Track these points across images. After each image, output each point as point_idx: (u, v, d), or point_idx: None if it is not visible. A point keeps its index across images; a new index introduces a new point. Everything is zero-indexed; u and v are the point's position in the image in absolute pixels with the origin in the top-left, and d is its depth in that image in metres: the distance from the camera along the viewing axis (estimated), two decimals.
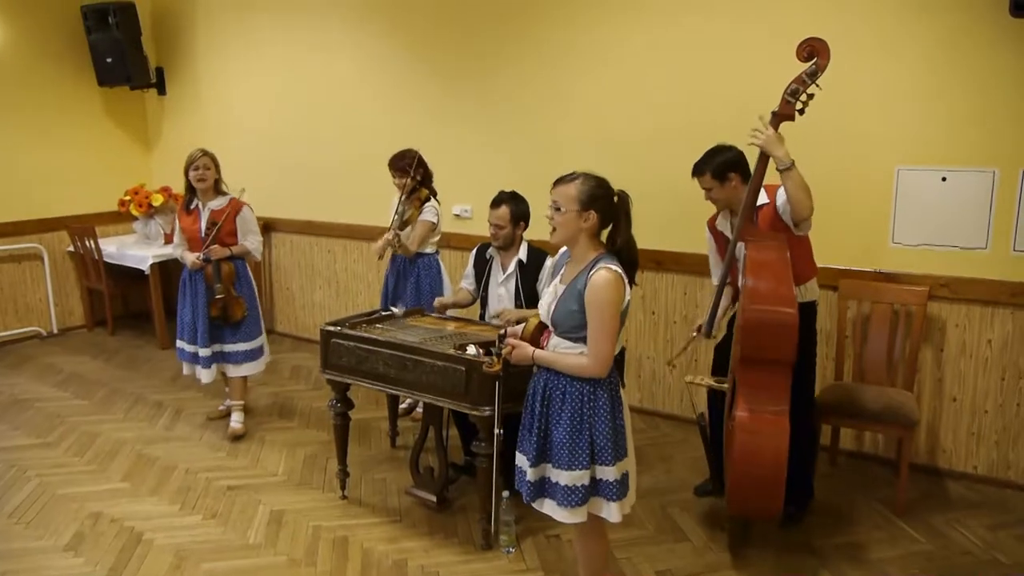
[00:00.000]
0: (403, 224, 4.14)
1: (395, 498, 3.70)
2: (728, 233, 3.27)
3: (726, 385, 3.13)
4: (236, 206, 4.31)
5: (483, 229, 3.86)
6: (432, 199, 4.29)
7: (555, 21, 4.58)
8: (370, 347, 3.33)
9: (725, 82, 4.07)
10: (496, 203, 3.68)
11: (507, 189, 3.75)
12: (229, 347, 4.37)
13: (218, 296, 4.24)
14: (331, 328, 3.48)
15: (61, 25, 6.27)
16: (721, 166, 3.16)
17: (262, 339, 4.50)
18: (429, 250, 4.36)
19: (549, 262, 3.73)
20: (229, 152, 6.45)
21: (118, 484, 3.86)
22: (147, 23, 6.65)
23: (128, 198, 6.26)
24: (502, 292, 3.81)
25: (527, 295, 3.70)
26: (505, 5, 4.76)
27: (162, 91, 6.79)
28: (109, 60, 6.26)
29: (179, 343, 4.46)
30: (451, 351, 3.09)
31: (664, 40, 4.25)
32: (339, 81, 5.64)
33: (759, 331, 2.78)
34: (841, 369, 3.89)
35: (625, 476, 2.50)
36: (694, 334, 3.43)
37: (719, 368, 3.46)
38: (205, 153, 4.23)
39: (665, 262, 4.44)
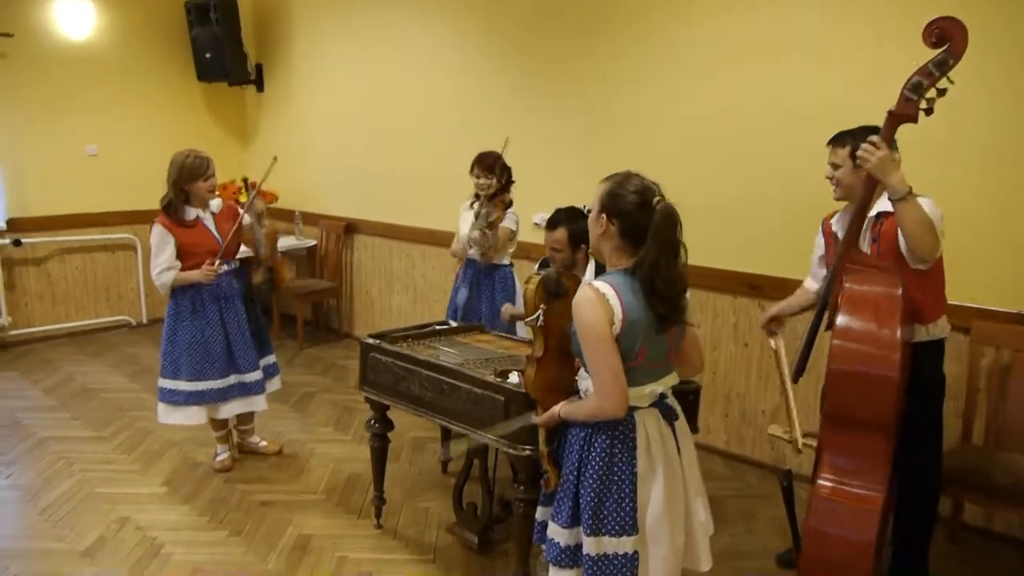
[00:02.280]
0: (490, 225, 3.83)
1: (434, 532, 3.34)
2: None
3: (812, 442, 2.58)
4: (233, 206, 3.92)
5: None
6: (511, 206, 3.95)
7: (638, 30, 4.12)
8: (408, 365, 2.99)
9: (824, 87, 3.48)
10: (552, 224, 3.18)
11: (577, 203, 3.32)
12: (263, 360, 3.91)
13: (264, 263, 3.95)
14: (371, 341, 3.16)
15: (165, 19, 6.35)
16: (854, 137, 2.56)
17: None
18: (505, 261, 4.03)
19: None
20: (317, 151, 6.40)
21: (155, 488, 3.70)
22: (249, 20, 6.65)
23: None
24: None
25: None
26: (588, 17, 4.34)
27: (260, 88, 6.77)
28: (209, 55, 6.29)
29: (197, 386, 3.67)
30: (490, 377, 2.70)
31: (752, 44, 3.70)
32: (424, 84, 5.38)
33: (848, 383, 2.24)
34: (970, 429, 3.21)
35: (628, 558, 2.02)
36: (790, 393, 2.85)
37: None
38: (210, 157, 3.66)
39: (763, 287, 3.88)
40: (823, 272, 2.93)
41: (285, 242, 6.26)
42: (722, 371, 4.11)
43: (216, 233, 3.68)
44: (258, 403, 3.84)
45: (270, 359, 4.00)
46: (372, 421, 3.26)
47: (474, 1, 4.97)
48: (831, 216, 2.86)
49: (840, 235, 2.75)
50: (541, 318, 2.13)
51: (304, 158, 6.49)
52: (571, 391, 2.20)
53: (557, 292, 2.18)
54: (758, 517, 3.52)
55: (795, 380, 2.78)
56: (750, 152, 3.84)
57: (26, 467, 3.88)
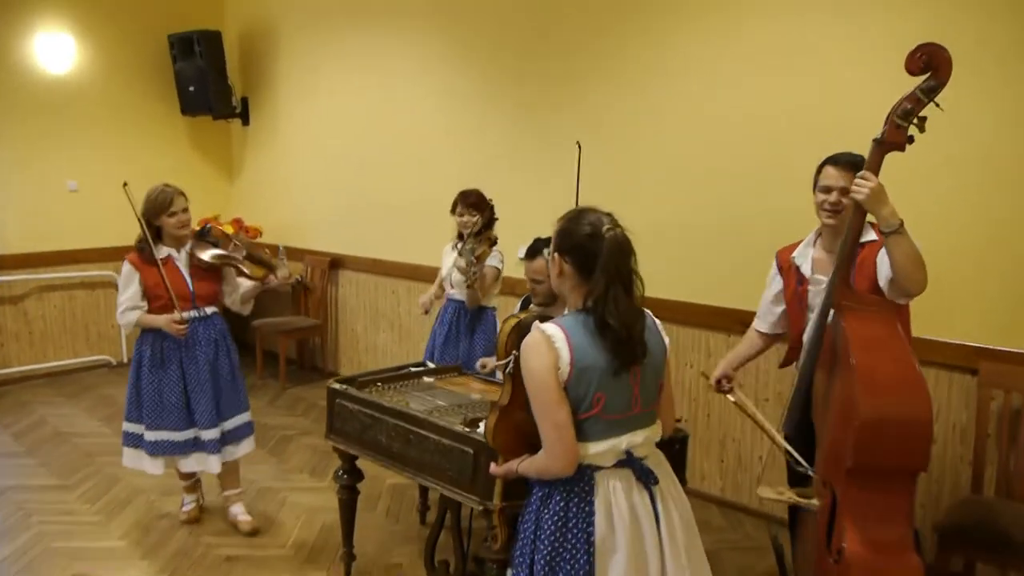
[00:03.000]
0: (477, 258, 3.64)
1: None
2: (809, 272, 2.58)
3: (815, 501, 2.36)
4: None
5: None
6: (496, 243, 3.77)
7: (629, 51, 3.99)
8: (374, 413, 2.79)
9: (843, 102, 3.33)
10: (531, 253, 3.01)
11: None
12: (229, 423, 3.53)
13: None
14: (337, 387, 2.97)
15: (148, 53, 6.25)
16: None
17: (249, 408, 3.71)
18: (491, 304, 3.84)
19: None
20: (302, 184, 6.26)
21: (115, 542, 3.49)
22: (235, 53, 6.57)
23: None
24: None
25: None
26: (577, 40, 4.21)
27: (246, 121, 6.67)
28: (192, 89, 6.18)
29: (155, 435, 3.40)
30: (459, 427, 2.51)
31: (765, 60, 3.56)
32: (410, 117, 5.25)
33: (883, 432, 2.05)
34: (981, 478, 3.00)
35: None
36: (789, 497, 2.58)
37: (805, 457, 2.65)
38: (180, 192, 3.37)
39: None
40: (778, 311, 2.77)
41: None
42: (716, 415, 3.90)
43: (187, 276, 3.40)
44: (210, 464, 3.45)
45: (242, 418, 3.59)
46: (340, 471, 3.06)
47: (460, 33, 4.86)
48: (789, 249, 2.70)
49: (804, 269, 2.61)
50: (511, 364, 1.94)
51: (289, 192, 6.36)
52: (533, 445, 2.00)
53: None
54: (756, 570, 3.30)
55: (787, 433, 2.57)
56: (729, 180, 3.68)
57: None
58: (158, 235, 3.37)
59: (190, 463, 3.47)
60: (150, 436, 3.41)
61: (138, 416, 3.46)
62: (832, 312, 2.32)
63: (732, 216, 3.72)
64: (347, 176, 5.81)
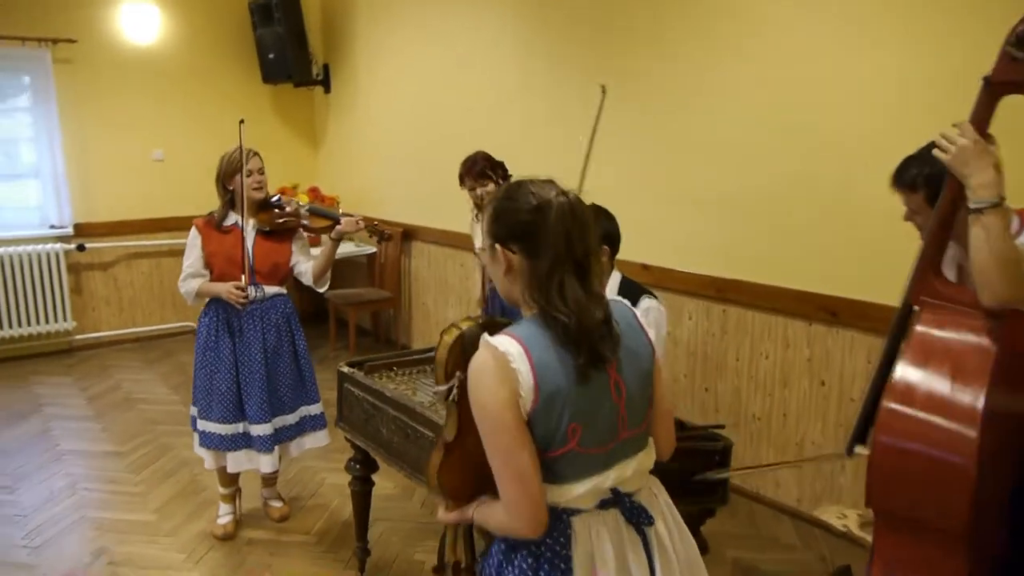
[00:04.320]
0: None
1: None
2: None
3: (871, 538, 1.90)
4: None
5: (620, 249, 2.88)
6: None
7: (714, 22, 3.49)
8: (375, 402, 2.53)
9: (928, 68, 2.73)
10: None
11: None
12: (290, 417, 3.26)
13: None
14: (345, 370, 2.73)
15: (230, 20, 6.24)
16: (927, 179, 1.89)
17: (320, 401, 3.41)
18: None
19: (646, 304, 2.69)
20: (378, 153, 6.08)
21: (147, 515, 3.43)
22: (316, 19, 6.45)
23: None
24: None
25: None
26: (659, 15, 3.74)
27: (328, 89, 6.55)
28: (272, 56, 6.11)
29: (203, 425, 3.16)
30: None
31: (842, 26, 2.99)
32: (485, 85, 4.90)
33: (901, 467, 1.58)
34: None
35: None
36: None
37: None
38: (256, 152, 3.17)
39: (841, 313, 3.15)
40: None
41: (343, 248, 5.97)
42: (794, 414, 3.40)
43: (250, 248, 3.12)
44: (262, 462, 3.16)
45: (308, 410, 3.31)
46: (352, 462, 2.83)
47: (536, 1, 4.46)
48: None
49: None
50: (455, 391, 1.48)
51: (367, 161, 6.21)
52: (488, 482, 1.61)
53: None
54: None
55: (849, 452, 2.09)
56: (815, 147, 3.13)
57: (33, 483, 3.73)
58: (232, 202, 3.16)
59: (238, 460, 3.14)
60: (200, 425, 3.18)
61: (194, 398, 3.26)
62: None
63: (815, 189, 3.18)
64: (420, 145, 5.56)
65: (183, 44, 6.09)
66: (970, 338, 1.63)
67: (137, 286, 6.16)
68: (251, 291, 3.09)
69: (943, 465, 1.54)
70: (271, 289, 3.19)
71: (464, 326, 1.51)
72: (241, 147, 3.11)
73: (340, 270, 6.54)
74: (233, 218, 3.15)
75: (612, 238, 2.66)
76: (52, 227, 5.70)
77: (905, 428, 1.60)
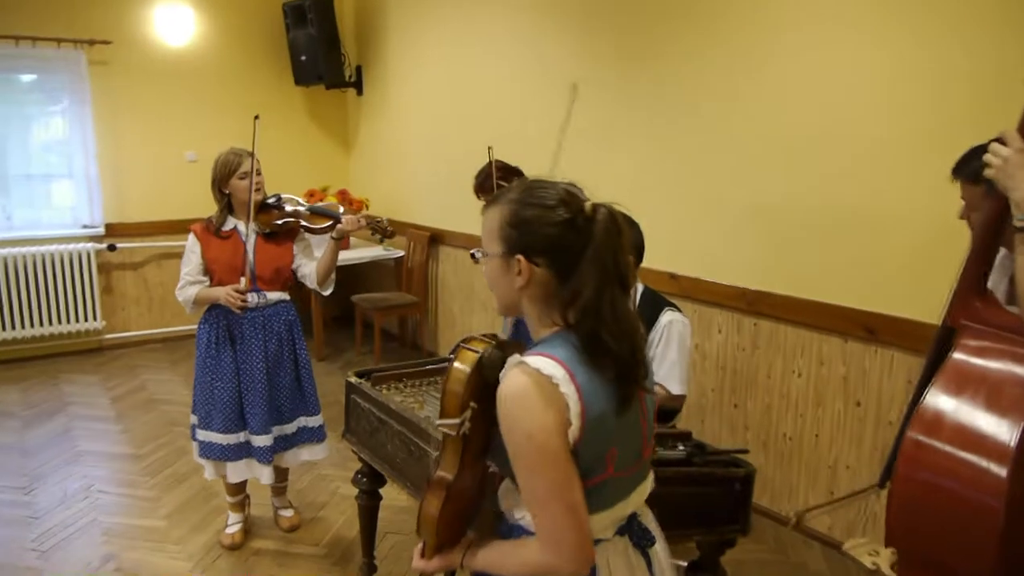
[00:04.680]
0: None
1: None
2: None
3: None
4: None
5: (648, 258, 2.71)
6: None
7: (742, 22, 3.32)
8: (381, 415, 2.43)
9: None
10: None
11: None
12: (289, 427, 3.17)
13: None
14: (352, 380, 2.63)
15: (264, 22, 6.23)
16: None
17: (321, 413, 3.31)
18: None
19: (668, 318, 2.56)
20: (407, 156, 6.01)
21: (157, 521, 3.39)
22: (350, 21, 6.42)
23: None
24: None
25: None
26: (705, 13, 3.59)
27: (360, 91, 6.51)
28: (304, 58, 6.09)
29: (204, 435, 3.07)
30: None
31: (882, 27, 2.81)
32: (512, 88, 4.80)
33: (922, 503, 1.46)
34: None
35: None
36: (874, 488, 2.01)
37: None
38: (251, 153, 3.02)
39: (880, 330, 2.96)
40: None
41: (370, 252, 5.94)
42: (827, 435, 3.21)
43: (251, 252, 3.02)
44: (262, 474, 3.07)
45: (306, 421, 3.21)
46: (359, 474, 2.73)
47: (569, 8, 4.34)
48: None
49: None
50: (467, 424, 1.31)
51: (396, 163, 6.15)
52: (474, 516, 1.46)
53: (499, 381, 1.29)
54: None
55: (882, 484, 1.93)
56: (852, 159, 2.95)
57: (49, 484, 3.72)
58: (229, 207, 3.05)
59: (239, 470, 3.07)
60: (201, 435, 3.08)
61: (194, 406, 3.18)
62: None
63: (853, 197, 3.00)
64: (449, 148, 5.47)
65: (216, 46, 6.10)
66: (1011, 368, 1.48)
67: (167, 287, 6.16)
68: (251, 297, 2.99)
69: (969, 504, 1.40)
70: (274, 295, 3.09)
71: (479, 348, 1.35)
72: (254, 146, 3.03)
73: (367, 273, 6.49)
74: (232, 223, 3.05)
75: (639, 248, 2.53)
76: (84, 227, 5.74)
77: (930, 461, 1.46)
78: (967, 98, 2.63)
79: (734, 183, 3.43)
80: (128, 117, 5.84)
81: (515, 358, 1.27)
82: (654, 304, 2.60)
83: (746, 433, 3.53)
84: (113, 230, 5.85)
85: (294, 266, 3.14)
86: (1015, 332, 1.51)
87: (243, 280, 2.96)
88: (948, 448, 1.44)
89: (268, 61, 6.31)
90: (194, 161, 6.13)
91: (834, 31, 3.00)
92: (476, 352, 1.35)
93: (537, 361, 1.24)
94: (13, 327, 5.50)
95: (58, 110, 5.67)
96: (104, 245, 5.81)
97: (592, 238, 1.27)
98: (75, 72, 5.52)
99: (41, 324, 5.59)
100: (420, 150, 5.83)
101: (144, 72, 5.84)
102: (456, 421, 1.32)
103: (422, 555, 1.41)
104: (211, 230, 3.05)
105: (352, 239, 6.18)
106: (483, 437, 1.37)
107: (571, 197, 1.31)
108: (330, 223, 3.12)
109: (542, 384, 1.22)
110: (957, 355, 1.54)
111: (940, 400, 1.49)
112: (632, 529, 1.40)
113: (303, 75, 6.21)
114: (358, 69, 6.47)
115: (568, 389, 1.22)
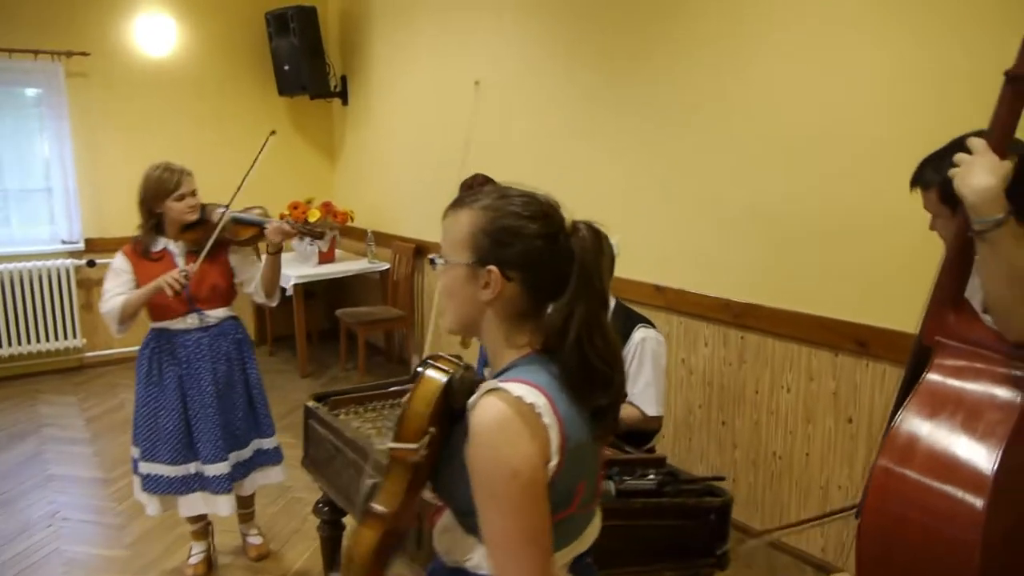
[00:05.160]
0: None
1: None
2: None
3: None
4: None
5: (633, 269, 2.57)
6: None
7: (736, 24, 3.19)
8: (336, 442, 2.29)
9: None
10: None
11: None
12: (245, 451, 2.98)
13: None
14: (311, 404, 2.49)
15: (246, 32, 6.11)
16: (939, 173, 1.58)
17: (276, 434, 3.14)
18: None
19: (641, 335, 2.42)
20: (391, 166, 5.89)
21: (120, 551, 3.25)
22: (334, 30, 6.31)
23: (287, 213, 5.90)
24: None
25: None
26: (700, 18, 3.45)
27: (345, 101, 6.39)
28: (287, 68, 5.97)
29: (147, 467, 2.86)
30: None
31: (872, 30, 2.67)
32: (501, 102, 4.67)
33: (890, 539, 1.32)
34: None
35: None
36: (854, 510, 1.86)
37: None
38: (188, 171, 2.89)
39: (871, 344, 2.81)
40: None
41: (356, 265, 5.81)
42: (817, 453, 3.06)
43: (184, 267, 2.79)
44: (219, 506, 2.87)
45: (262, 443, 3.04)
46: (320, 503, 2.59)
47: (556, 11, 4.19)
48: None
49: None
50: (423, 451, 1.20)
51: (381, 175, 6.02)
52: (397, 553, 1.33)
53: (464, 408, 1.19)
54: None
55: (858, 514, 1.78)
56: (846, 165, 2.80)
57: (14, 510, 3.58)
58: (158, 226, 2.86)
59: (191, 504, 2.88)
60: (144, 468, 2.87)
61: (135, 438, 2.93)
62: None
63: (843, 207, 2.85)
64: (435, 160, 5.33)
65: (197, 56, 5.99)
66: (989, 389, 1.34)
67: None
68: (192, 319, 2.83)
69: (943, 538, 1.27)
70: (218, 313, 2.91)
71: (449, 368, 1.24)
72: (256, 160, 2.96)
73: (352, 287, 6.37)
74: (162, 243, 2.86)
75: (612, 263, 2.39)
76: (63, 242, 5.62)
77: (901, 491, 1.33)
78: (967, 98, 2.48)
79: (723, 192, 3.29)
80: (107, 129, 5.72)
81: (490, 383, 1.15)
82: (627, 319, 2.47)
83: (735, 452, 3.37)
84: (93, 245, 5.73)
85: (237, 281, 2.99)
86: (991, 349, 1.38)
87: (192, 266, 2.76)
88: (920, 477, 1.30)
89: (251, 72, 6.19)
90: None
91: (833, 31, 2.86)
92: (446, 372, 1.24)
93: (516, 388, 1.12)
94: None
95: (35, 123, 5.56)
96: (83, 261, 5.69)
97: (575, 257, 1.17)
98: (53, 85, 5.41)
99: (19, 343, 5.47)
100: (406, 161, 5.70)
101: (124, 84, 5.73)
102: (414, 446, 1.20)
103: None
104: (139, 251, 2.85)
105: (338, 251, 6.06)
106: (430, 468, 1.25)
107: (552, 210, 1.22)
108: (256, 232, 2.95)
109: (524, 413, 1.10)
110: (931, 376, 1.40)
111: (913, 424, 1.35)
112: (579, 567, 1.27)
113: (286, 85, 6.09)
114: (343, 79, 6.35)
115: (550, 420, 1.11)
